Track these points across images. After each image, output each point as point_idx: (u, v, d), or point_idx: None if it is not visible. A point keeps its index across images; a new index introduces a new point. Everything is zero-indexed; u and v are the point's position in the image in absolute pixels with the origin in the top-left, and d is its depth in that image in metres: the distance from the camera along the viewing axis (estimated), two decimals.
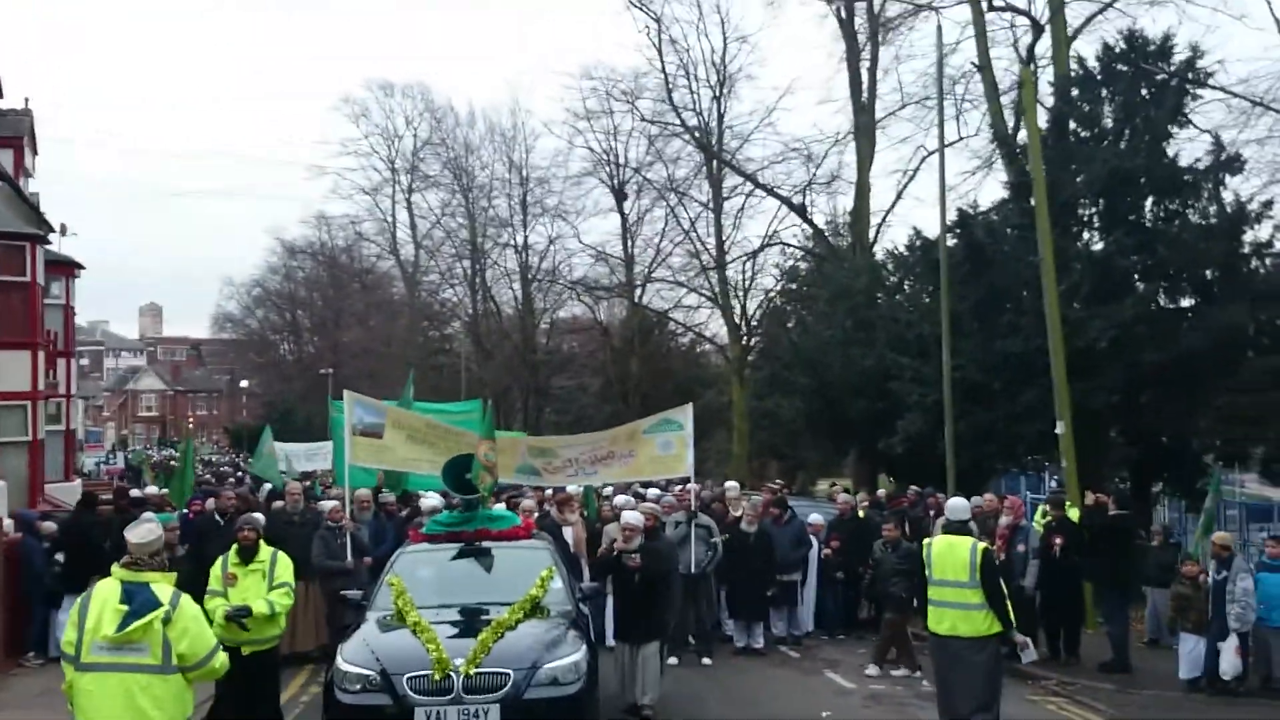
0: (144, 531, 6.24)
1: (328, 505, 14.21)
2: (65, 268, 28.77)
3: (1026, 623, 13.25)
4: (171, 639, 5.92)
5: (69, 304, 29.39)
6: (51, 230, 27.86)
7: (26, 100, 29.97)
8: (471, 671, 8.48)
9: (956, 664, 9.43)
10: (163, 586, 6.07)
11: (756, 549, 14.78)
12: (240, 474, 36.78)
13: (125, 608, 5.88)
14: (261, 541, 9.51)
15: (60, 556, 13.90)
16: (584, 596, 10.59)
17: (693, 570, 13.86)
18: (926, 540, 10.23)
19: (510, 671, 8.53)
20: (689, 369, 48.21)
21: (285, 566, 9.31)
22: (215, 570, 9.34)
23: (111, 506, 15.78)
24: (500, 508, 12.74)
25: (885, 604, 13.83)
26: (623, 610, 11.11)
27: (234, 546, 9.42)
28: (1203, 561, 13.55)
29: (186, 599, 6.14)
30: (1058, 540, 13.56)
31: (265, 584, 9.15)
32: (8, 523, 14.59)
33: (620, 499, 15.79)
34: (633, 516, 11.67)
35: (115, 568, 6.15)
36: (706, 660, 13.86)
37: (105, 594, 5.99)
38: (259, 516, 9.79)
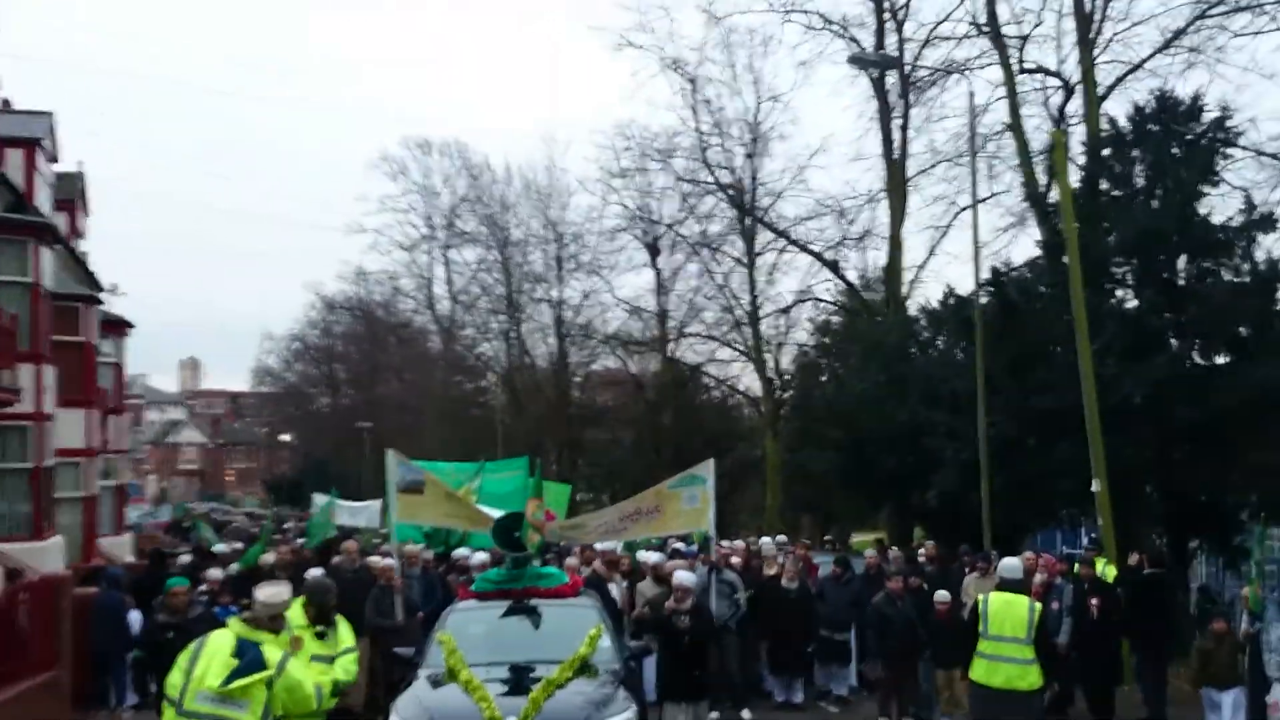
0: (271, 593, 6.47)
1: (376, 562, 14.53)
2: (116, 326, 29.61)
3: (1063, 679, 13.46)
4: (272, 703, 6.08)
5: (120, 362, 30.15)
6: (103, 290, 28.66)
7: (80, 163, 30.94)
8: None
9: (1006, 716, 9.80)
10: (273, 649, 6.24)
11: (797, 606, 14.92)
12: (286, 530, 37.24)
13: (235, 661, 6.04)
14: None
15: (133, 615, 14.21)
16: (632, 655, 10.73)
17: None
18: (980, 596, 10.59)
19: None
20: (722, 422, 48.42)
21: (348, 630, 8.71)
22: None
23: (188, 561, 16.16)
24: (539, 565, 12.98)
25: (889, 657, 13.90)
26: (671, 669, 11.18)
27: (300, 607, 8.49)
28: (1238, 617, 13.66)
29: (294, 664, 6.30)
30: (1094, 601, 13.65)
31: (329, 649, 8.39)
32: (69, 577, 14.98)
33: (654, 557, 15.96)
34: (685, 577, 11.75)
35: (233, 621, 6.38)
36: (746, 714, 13.96)
37: (218, 645, 6.16)
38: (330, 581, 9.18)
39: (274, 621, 6.42)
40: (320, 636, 8.21)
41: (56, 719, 12.94)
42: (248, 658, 6.08)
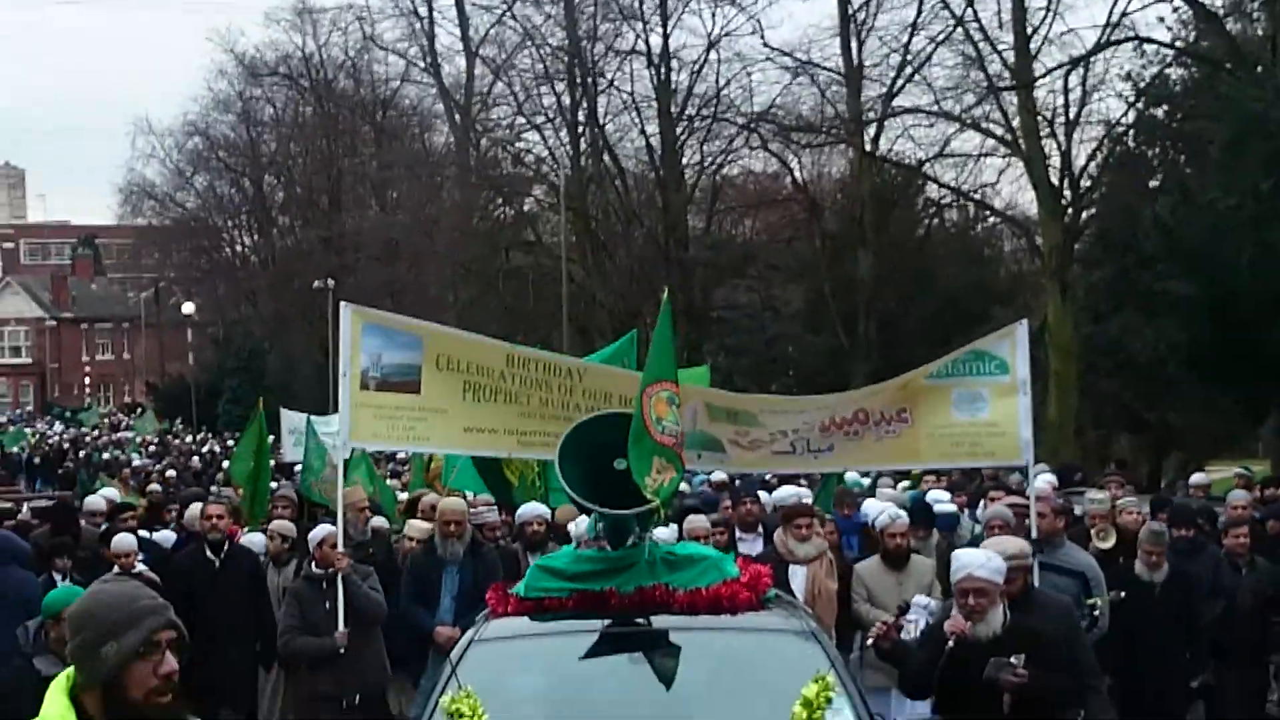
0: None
1: (417, 526, 15.04)
2: None
3: None
4: None
5: None
6: None
7: None
8: None
9: None
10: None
11: (1168, 608, 14.29)
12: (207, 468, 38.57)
13: None
14: None
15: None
16: None
17: None
18: None
19: None
20: (966, 270, 48.81)
21: None
22: None
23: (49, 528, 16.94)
24: (670, 534, 11.99)
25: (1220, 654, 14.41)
26: None
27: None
28: None
29: None
30: None
31: None
32: None
33: (875, 507, 15.23)
34: (984, 561, 9.51)
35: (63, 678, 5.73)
36: None
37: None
38: None
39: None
40: None
41: None
42: None
